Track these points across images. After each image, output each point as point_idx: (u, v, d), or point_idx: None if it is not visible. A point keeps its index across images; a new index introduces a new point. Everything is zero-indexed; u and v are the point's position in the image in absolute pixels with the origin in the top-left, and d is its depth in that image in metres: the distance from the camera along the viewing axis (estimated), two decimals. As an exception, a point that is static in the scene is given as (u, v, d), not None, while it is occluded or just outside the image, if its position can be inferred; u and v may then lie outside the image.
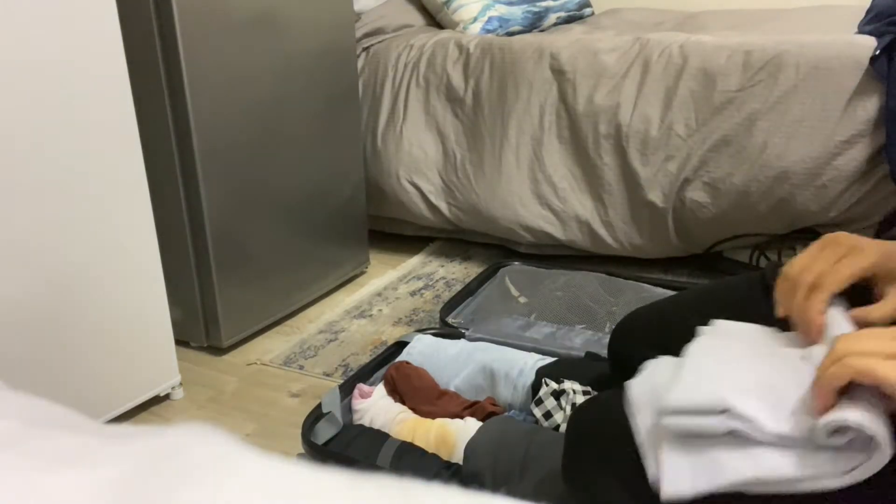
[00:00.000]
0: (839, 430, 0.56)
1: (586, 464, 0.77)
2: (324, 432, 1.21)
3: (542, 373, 1.27)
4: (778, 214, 1.77)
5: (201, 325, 1.72)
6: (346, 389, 1.34)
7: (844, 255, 0.71)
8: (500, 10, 2.40)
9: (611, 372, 1.05)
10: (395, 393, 1.33)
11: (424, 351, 1.43)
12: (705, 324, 0.83)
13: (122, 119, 1.35)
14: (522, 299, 1.72)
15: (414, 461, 1.13)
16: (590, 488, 0.75)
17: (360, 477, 0.33)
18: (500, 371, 1.33)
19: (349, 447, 1.18)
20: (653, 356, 0.87)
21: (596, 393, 1.11)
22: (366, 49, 2.24)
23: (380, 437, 1.19)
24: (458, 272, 2.13)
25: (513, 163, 2.03)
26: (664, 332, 0.92)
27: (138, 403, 1.49)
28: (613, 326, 1.55)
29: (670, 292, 1.60)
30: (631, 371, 0.92)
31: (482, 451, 1.07)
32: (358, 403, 1.31)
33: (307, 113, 1.85)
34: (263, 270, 1.80)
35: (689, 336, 0.80)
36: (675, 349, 0.84)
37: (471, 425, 1.18)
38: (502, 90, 2.03)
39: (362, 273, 2.16)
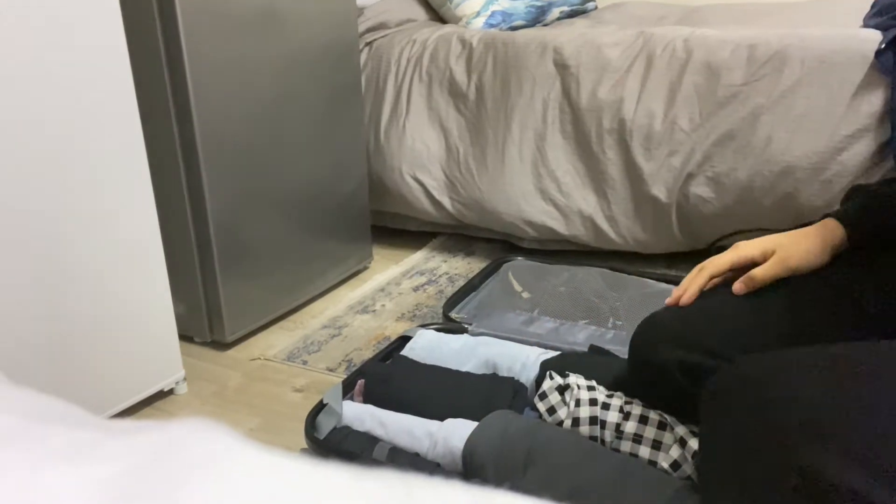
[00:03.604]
0: None
1: None
2: (324, 424, 1.21)
3: (547, 366, 1.27)
4: (782, 209, 1.76)
5: (205, 320, 1.73)
6: (350, 385, 1.34)
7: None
8: (504, 4, 2.39)
9: (630, 369, 1.05)
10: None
11: (427, 346, 1.43)
12: (730, 326, 0.88)
13: (125, 115, 1.35)
14: (525, 294, 1.72)
15: (408, 459, 1.13)
16: None
17: (363, 472, 0.33)
18: (502, 366, 1.32)
19: (343, 442, 1.18)
20: (676, 356, 0.90)
21: (600, 388, 1.10)
22: (368, 44, 2.23)
23: (371, 439, 1.18)
24: (461, 267, 2.13)
25: (516, 158, 2.02)
26: (689, 332, 0.95)
27: (142, 398, 1.49)
28: (617, 322, 1.56)
29: (674, 287, 1.60)
30: (650, 369, 0.93)
31: (484, 445, 1.07)
32: (359, 401, 1.31)
33: (310, 108, 1.84)
34: (267, 265, 1.80)
35: (714, 336, 0.87)
36: (699, 349, 0.87)
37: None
38: (505, 85, 2.03)
39: (365, 268, 2.16)
